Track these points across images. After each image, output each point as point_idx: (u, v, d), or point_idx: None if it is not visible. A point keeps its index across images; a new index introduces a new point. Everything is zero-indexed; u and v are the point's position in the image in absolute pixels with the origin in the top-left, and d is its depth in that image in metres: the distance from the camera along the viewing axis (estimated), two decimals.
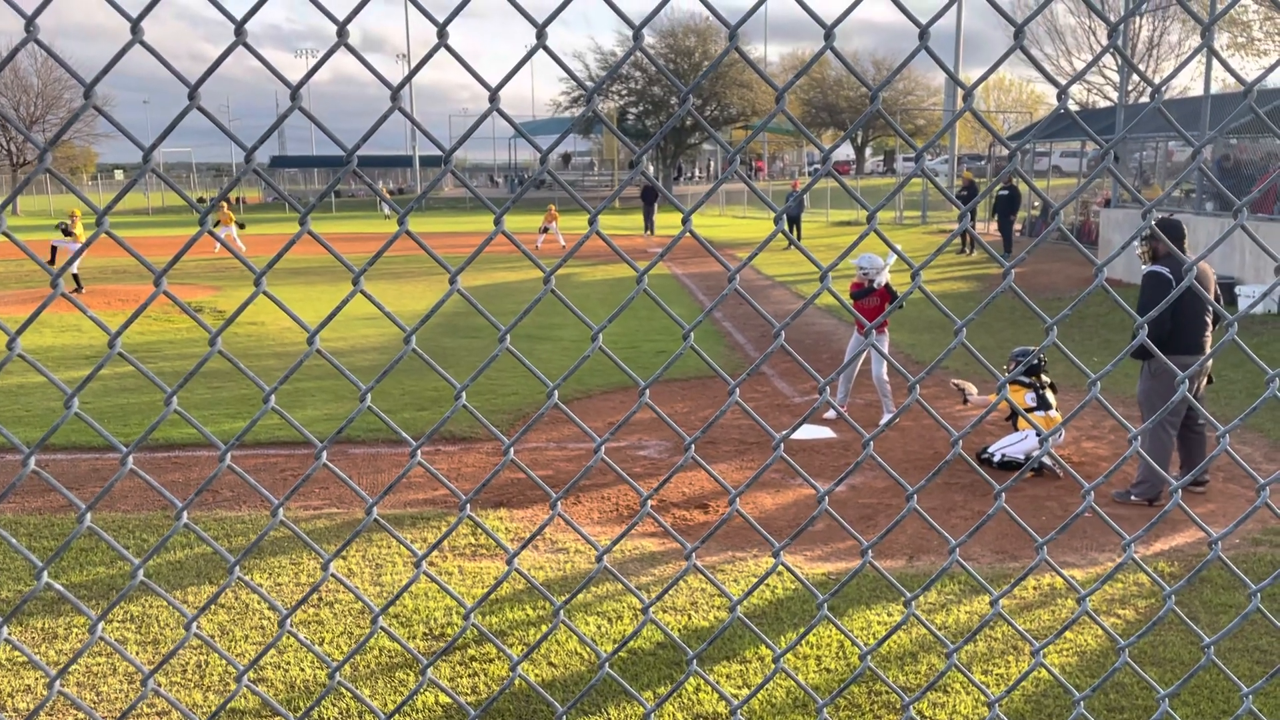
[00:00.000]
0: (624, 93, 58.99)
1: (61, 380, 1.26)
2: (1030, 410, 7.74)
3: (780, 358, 12.23)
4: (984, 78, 1.29)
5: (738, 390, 1.29)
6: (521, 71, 1.35)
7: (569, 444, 8.52)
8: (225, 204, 56.67)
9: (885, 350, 9.27)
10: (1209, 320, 6.89)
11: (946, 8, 1.08)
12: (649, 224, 33.82)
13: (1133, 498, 6.96)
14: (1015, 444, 7.72)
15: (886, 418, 9.14)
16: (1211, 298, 6.89)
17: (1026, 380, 7.80)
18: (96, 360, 12.17)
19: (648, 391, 1.30)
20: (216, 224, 25.65)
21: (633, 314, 15.21)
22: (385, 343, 12.82)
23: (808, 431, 8.94)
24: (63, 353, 12.67)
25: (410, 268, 21.05)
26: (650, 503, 1.31)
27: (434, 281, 19.35)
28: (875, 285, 8.97)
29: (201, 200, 59.64)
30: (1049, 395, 7.77)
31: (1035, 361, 7.90)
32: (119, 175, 79.98)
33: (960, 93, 1.28)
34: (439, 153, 1.51)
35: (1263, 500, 1.47)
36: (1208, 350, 6.90)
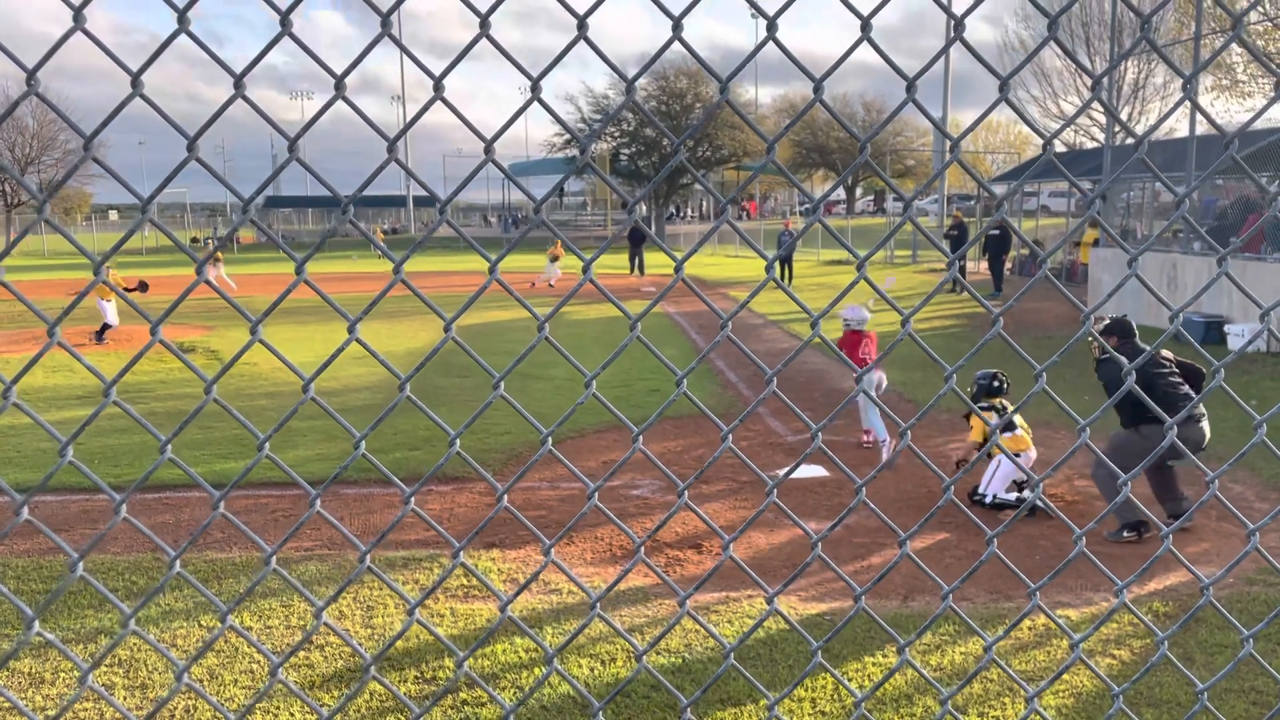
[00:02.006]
0: (617, 134, 59.44)
1: (51, 422, 1.26)
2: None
3: (775, 398, 12.22)
4: (969, 130, 1.32)
5: (730, 436, 1.30)
6: (514, 108, 1.37)
7: (562, 483, 8.49)
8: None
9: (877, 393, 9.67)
10: (1181, 386, 6.99)
11: (933, 61, 1.11)
12: (637, 265, 33.80)
13: (1124, 535, 6.99)
14: (1000, 477, 7.73)
15: (885, 456, 9.30)
16: (1171, 370, 7.05)
17: (986, 404, 7.96)
18: (88, 401, 12.13)
19: (641, 438, 1.30)
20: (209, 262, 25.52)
21: (625, 353, 15.22)
22: (377, 382, 12.80)
23: (800, 471, 8.92)
24: (54, 393, 12.62)
25: (403, 307, 21.08)
26: (644, 548, 1.31)
27: (426, 321, 19.36)
28: (863, 332, 9.48)
29: (194, 240, 59.66)
30: (1016, 416, 7.87)
31: (995, 384, 8.05)
32: (113, 216, 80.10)
33: (947, 139, 1.30)
34: (416, 183, 1.53)
35: (1253, 545, 1.47)
36: (1204, 422, 7.02)
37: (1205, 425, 7.01)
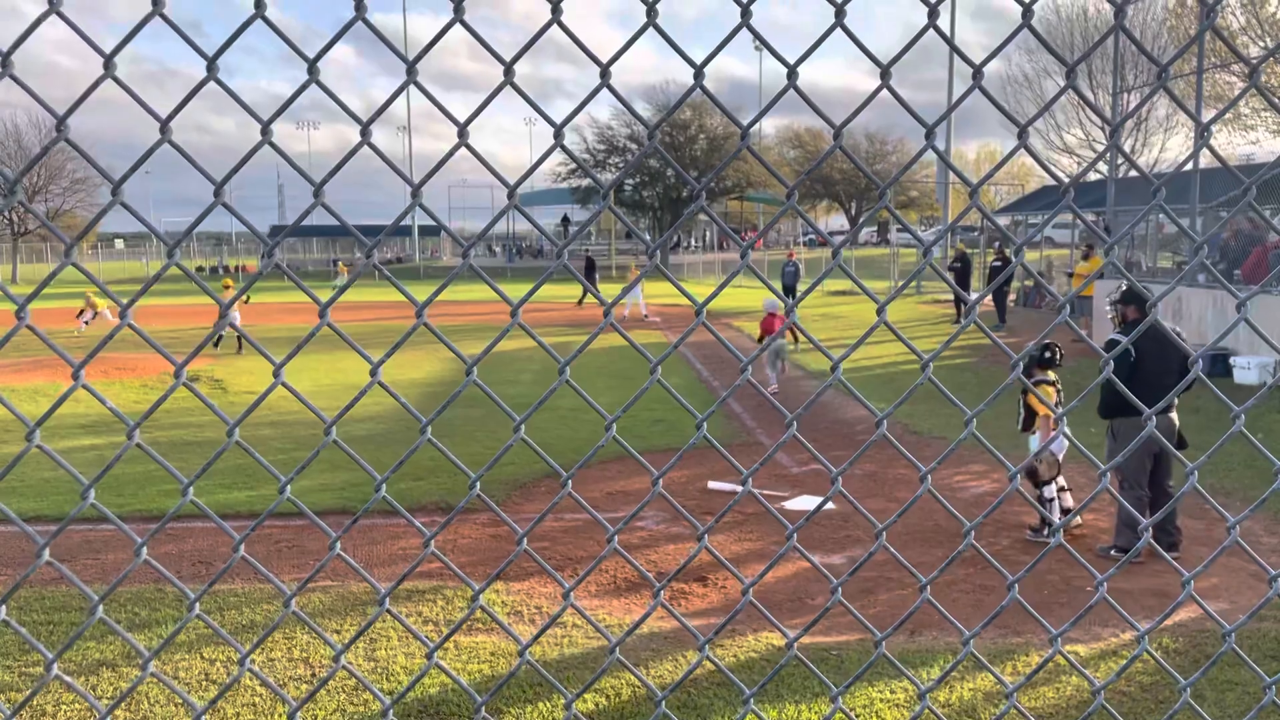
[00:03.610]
0: (621, 165, 59.90)
1: (58, 452, 1.26)
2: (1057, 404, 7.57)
3: (777, 427, 12.22)
4: (987, 178, 1.33)
5: (750, 480, 1.30)
6: (521, 140, 1.40)
7: (565, 514, 8.46)
8: (225, 272, 56.14)
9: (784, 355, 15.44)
10: (1171, 383, 6.99)
11: (951, 109, 1.12)
12: (590, 295, 33.25)
13: (1112, 553, 7.16)
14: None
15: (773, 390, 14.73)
16: (1177, 361, 7.05)
17: (1051, 379, 7.66)
18: (92, 430, 12.13)
19: (660, 482, 1.30)
20: (225, 288, 25.10)
21: (627, 381, 15.22)
22: (382, 411, 12.77)
23: (805, 502, 8.90)
24: (59, 421, 12.62)
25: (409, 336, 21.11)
26: (663, 594, 1.30)
27: (430, 351, 19.34)
28: (776, 314, 15.11)
29: (200, 270, 59.88)
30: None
31: (1047, 355, 7.67)
32: (119, 244, 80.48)
33: (967, 184, 1.31)
34: (436, 224, 1.54)
35: (1275, 591, 1.47)
36: (1173, 412, 7.11)
37: (1174, 415, 7.11)
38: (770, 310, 16.46)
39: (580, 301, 33.75)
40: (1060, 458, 7.64)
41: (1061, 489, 7.71)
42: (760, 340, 16.08)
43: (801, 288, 32.07)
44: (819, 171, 69.41)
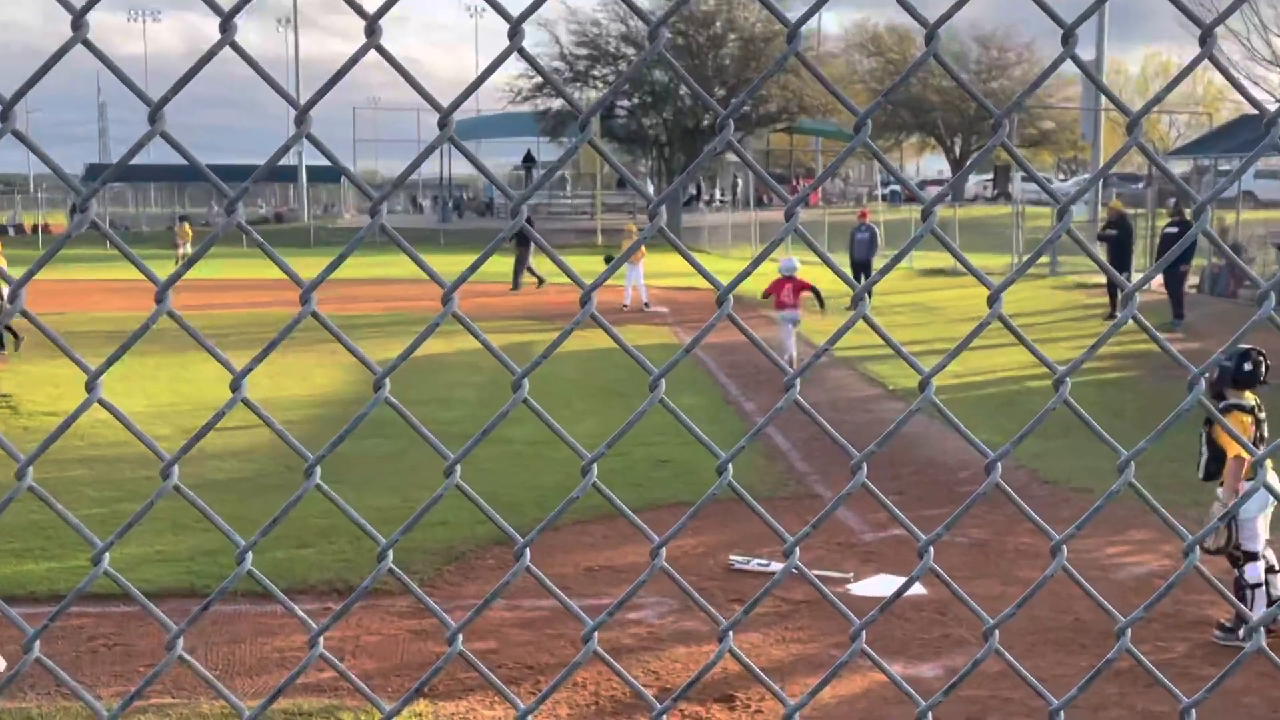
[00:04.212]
0: (612, 77, 59.88)
1: None
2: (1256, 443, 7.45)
3: (840, 471, 12.23)
4: (1154, 103, 1.33)
5: (796, 551, 1.30)
6: (463, 40, 1.40)
7: (521, 601, 8.45)
8: (18, 232, 55.97)
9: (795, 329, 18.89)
10: None
11: (1099, 3, 1.12)
12: (529, 273, 32.53)
13: None
14: (1250, 527, 7.35)
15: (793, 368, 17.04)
16: None
17: (1249, 404, 7.54)
18: None
19: (663, 552, 1.31)
20: None
21: (623, 401, 15.23)
22: (249, 445, 12.76)
23: (881, 585, 8.92)
24: None
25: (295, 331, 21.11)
26: (654, 699, 1.31)
27: (324, 351, 19.26)
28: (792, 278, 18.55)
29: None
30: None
31: (1247, 368, 7.64)
32: None
33: (1125, 114, 1.31)
34: (333, 165, 1.54)
35: None
36: None
37: None
38: (786, 272, 18.85)
39: (515, 284, 32.98)
40: (1261, 522, 7.57)
41: (1270, 569, 7.68)
42: (775, 306, 18.96)
43: (878, 263, 32.05)
44: (906, 92, 69.46)
